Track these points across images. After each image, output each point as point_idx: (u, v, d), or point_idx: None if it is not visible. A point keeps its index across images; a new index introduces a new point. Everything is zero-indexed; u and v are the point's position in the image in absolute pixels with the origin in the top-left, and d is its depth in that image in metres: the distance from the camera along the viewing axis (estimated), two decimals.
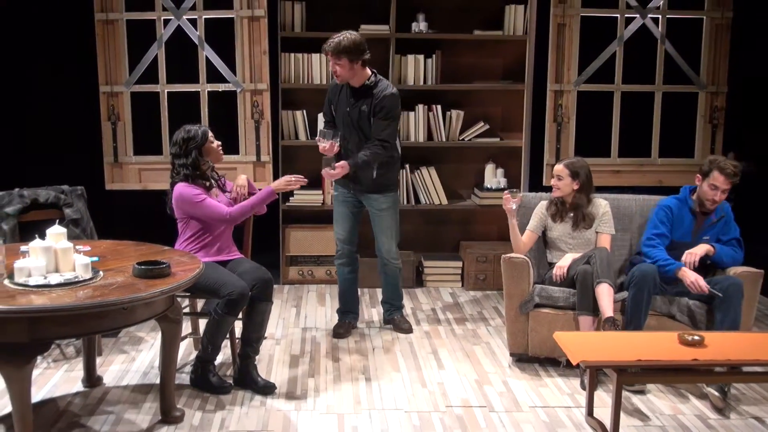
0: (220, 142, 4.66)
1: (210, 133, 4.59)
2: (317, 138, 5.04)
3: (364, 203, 5.30)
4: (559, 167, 4.95)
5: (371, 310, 5.96)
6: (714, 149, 6.73)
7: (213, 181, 4.65)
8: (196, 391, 4.43)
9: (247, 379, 4.48)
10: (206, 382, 4.44)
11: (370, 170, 5.09)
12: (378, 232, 5.35)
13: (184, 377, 4.59)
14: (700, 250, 4.65)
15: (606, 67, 6.60)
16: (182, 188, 4.50)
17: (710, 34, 6.61)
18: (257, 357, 4.60)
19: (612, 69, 6.60)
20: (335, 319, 5.69)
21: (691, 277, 4.57)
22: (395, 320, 5.54)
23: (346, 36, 4.91)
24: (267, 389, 4.45)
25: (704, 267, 4.79)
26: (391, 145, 5.12)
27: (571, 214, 4.96)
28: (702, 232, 4.80)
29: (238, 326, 4.94)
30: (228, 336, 4.67)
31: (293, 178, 4.65)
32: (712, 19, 6.58)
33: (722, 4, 6.55)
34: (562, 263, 4.80)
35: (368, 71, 5.06)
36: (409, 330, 5.48)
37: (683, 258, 4.61)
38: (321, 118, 6.52)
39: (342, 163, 5.00)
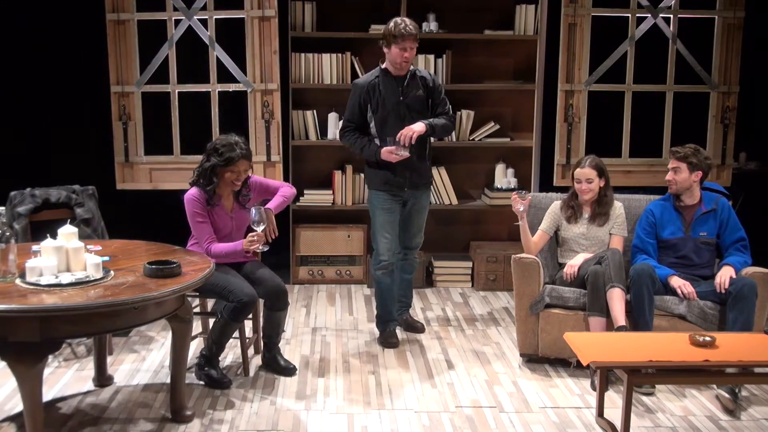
0: (242, 174, 4.46)
1: (237, 163, 4.40)
2: (395, 149, 4.81)
3: (408, 201, 5.15)
4: (585, 170, 4.88)
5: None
6: (725, 149, 6.70)
7: (222, 200, 4.55)
8: (206, 389, 4.44)
9: (272, 362, 4.71)
10: (208, 376, 4.51)
11: (425, 162, 5.09)
12: (416, 229, 5.27)
13: (194, 377, 4.60)
14: (727, 274, 4.61)
15: (617, 67, 6.57)
16: (190, 195, 4.49)
17: (722, 33, 6.57)
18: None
19: (623, 69, 6.57)
20: (344, 318, 5.70)
21: (677, 282, 4.64)
22: (408, 320, 5.49)
23: (412, 21, 4.86)
24: (288, 371, 4.67)
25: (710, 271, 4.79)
26: None
27: (587, 215, 4.95)
28: (694, 226, 4.79)
29: (248, 326, 4.95)
30: (238, 335, 4.69)
31: (255, 237, 4.38)
32: (723, 18, 6.55)
33: (734, 4, 6.52)
34: (574, 262, 4.79)
35: None
36: (422, 329, 5.46)
37: (717, 280, 4.59)
38: (331, 120, 6.55)
39: (417, 124, 4.84)
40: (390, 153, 4.85)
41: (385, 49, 4.92)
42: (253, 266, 4.65)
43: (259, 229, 4.35)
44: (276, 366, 4.70)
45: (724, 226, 4.79)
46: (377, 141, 5.00)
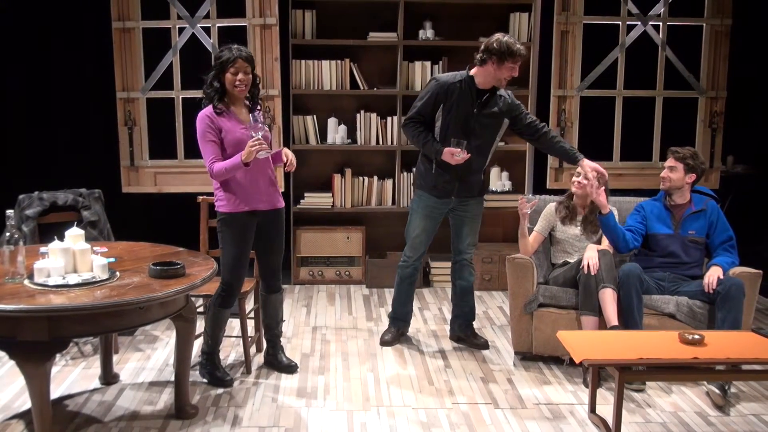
0: (243, 76, 4.17)
1: (235, 62, 4.13)
2: (458, 150, 4.63)
3: (456, 209, 5.00)
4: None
5: (379, 310, 5.95)
6: (713, 153, 6.72)
7: (236, 114, 4.27)
8: (209, 386, 4.44)
9: (274, 360, 4.71)
10: (211, 374, 4.51)
11: (479, 175, 4.99)
12: (467, 236, 5.10)
13: (197, 374, 4.60)
14: (715, 274, 4.61)
15: (608, 73, 6.59)
16: (201, 114, 4.21)
17: (710, 40, 6.60)
18: (281, 339, 4.78)
19: (614, 75, 6.59)
20: (344, 318, 5.70)
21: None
22: (470, 337, 5.19)
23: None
24: (290, 368, 4.68)
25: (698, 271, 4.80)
26: None
27: (581, 217, 4.96)
28: (684, 225, 4.80)
29: (250, 324, 4.95)
30: (240, 334, 4.69)
31: (255, 145, 4.06)
32: (711, 26, 6.57)
33: (721, 11, 6.54)
34: (591, 254, 4.69)
35: None
36: (485, 345, 5.14)
37: (705, 281, 4.59)
38: (330, 125, 6.55)
39: (589, 163, 4.74)
40: (451, 154, 4.68)
41: (491, 64, 4.70)
42: (271, 233, 4.45)
43: (258, 135, 4.08)
44: (278, 364, 4.69)
45: (713, 226, 4.80)
46: (439, 143, 4.82)
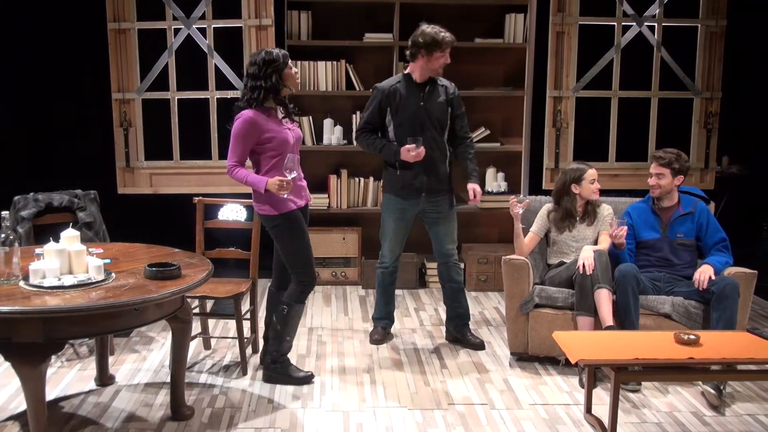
0: (297, 69, 4.41)
1: (289, 59, 4.28)
2: (411, 147, 4.70)
3: (426, 209, 5.02)
4: (593, 172, 4.92)
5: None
6: (708, 153, 6.74)
7: (288, 109, 4.35)
8: (205, 388, 4.43)
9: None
10: (288, 376, 4.50)
11: (445, 166, 5.01)
12: (448, 238, 5.10)
13: (193, 375, 4.60)
14: (706, 273, 4.61)
15: (603, 74, 6.60)
16: (248, 115, 4.19)
17: (705, 41, 6.61)
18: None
19: (609, 76, 6.60)
20: (340, 318, 5.69)
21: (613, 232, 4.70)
22: (467, 336, 5.19)
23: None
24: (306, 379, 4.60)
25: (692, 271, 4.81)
26: None
27: (577, 218, 4.96)
28: (672, 227, 4.80)
29: (246, 325, 4.94)
30: (236, 335, 4.69)
31: (284, 183, 4.15)
32: (706, 27, 6.58)
33: (716, 13, 6.55)
34: (587, 255, 4.69)
35: None
36: (481, 346, 5.14)
37: (696, 277, 4.60)
38: (326, 125, 6.55)
39: (475, 187, 4.94)
40: (408, 151, 4.74)
41: (421, 57, 4.82)
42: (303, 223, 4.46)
43: (290, 176, 4.18)
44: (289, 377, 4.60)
45: (704, 229, 4.79)
46: (395, 144, 4.90)
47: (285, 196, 4.24)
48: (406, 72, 4.97)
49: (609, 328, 4.46)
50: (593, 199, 4.94)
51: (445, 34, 4.79)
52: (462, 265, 5.27)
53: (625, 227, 4.70)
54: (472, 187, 4.95)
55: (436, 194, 4.99)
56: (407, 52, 4.90)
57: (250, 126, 4.18)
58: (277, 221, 4.31)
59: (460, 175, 5.06)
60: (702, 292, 4.55)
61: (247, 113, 4.19)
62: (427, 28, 4.82)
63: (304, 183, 4.51)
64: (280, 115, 4.33)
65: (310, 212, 4.57)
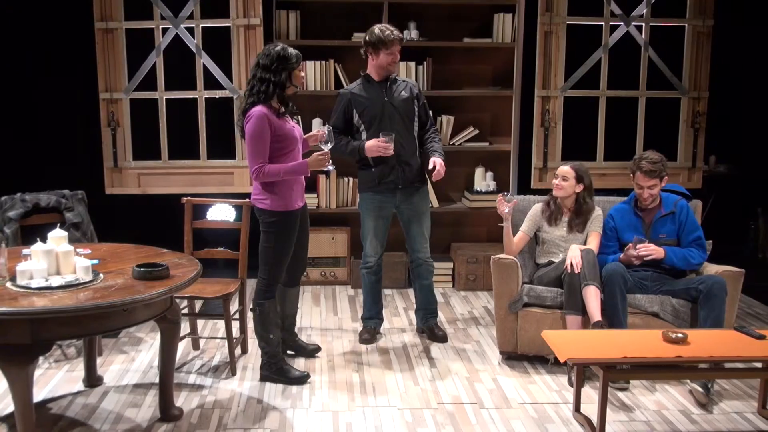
0: (305, 73, 4.47)
1: (302, 61, 4.35)
2: (383, 141, 4.78)
3: (402, 206, 5.11)
4: (565, 168, 4.93)
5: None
6: (696, 153, 6.77)
7: (290, 108, 4.41)
8: (194, 388, 4.42)
9: (298, 347, 4.93)
10: (282, 373, 4.53)
11: (416, 158, 5.06)
12: (417, 234, 5.17)
13: (182, 376, 4.59)
14: (653, 250, 4.68)
15: (591, 74, 6.63)
16: (260, 112, 4.19)
17: (692, 41, 6.64)
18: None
19: (597, 75, 6.62)
20: (329, 318, 5.69)
21: (635, 252, 4.69)
22: (433, 329, 5.30)
23: (393, 26, 4.94)
24: (315, 350, 4.96)
25: (680, 270, 4.83)
26: None
27: (566, 218, 4.97)
28: (655, 229, 4.81)
29: (235, 326, 4.94)
30: (225, 336, 4.68)
31: (324, 156, 4.31)
32: (693, 26, 6.61)
33: (703, 12, 6.58)
34: (574, 254, 4.70)
35: None
36: (444, 338, 5.27)
37: (632, 251, 4.66)
38: (315, 125, 6.54)
39: (438, 161, 4.91)
40: (374, 145, 4.81)
41: (371, 56, 4.95)
42: (304, 226, 4.65)
43: (327, 148, 4.32)
44: (302, 350, 4.91)
45: (682, 227, 4.81)
46: (361, 141, 4.98)
47: (329, 168, 4.36)
48: (364, 73, 5.06)
49: (597, 323, 4.46)
50: (554, 195, 4.97)
51: (390, 32, 4.87)
52: (433, 263, 5.33)
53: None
54: (434, 159, 4.95)
55: (411, 187, 5.07)
56: (361, 51, 5.01)
57: (264, 122, 4.20)
58: (274, 217, 4.37)
59: (426, 158, 5.07)
60: (686, 289, 4.57)
61: (258, 111, 4.21)
62: (376, 28, 4.92)
63: (304, 182, 4.58)
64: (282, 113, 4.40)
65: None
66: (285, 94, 4.31)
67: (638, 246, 4.67)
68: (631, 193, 4.95)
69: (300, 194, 4.52)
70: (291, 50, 4.29)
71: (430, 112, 5.25)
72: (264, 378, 4.55)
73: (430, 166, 4.93)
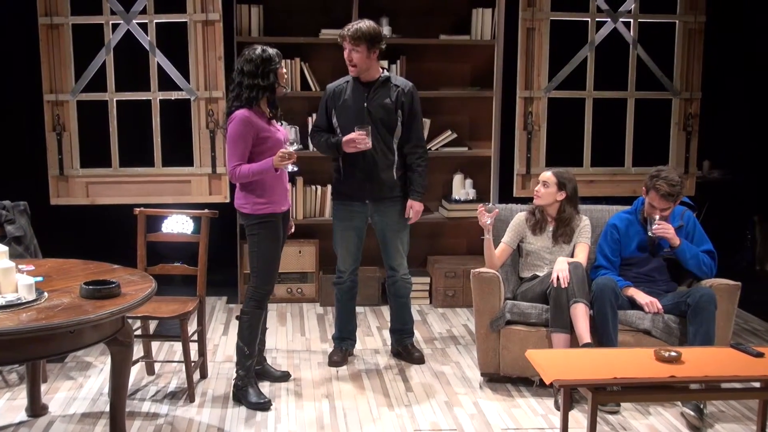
0: (286, 70, 4.71)
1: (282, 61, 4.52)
2: (360, 133, 4.77)
3: (374, 217, 5.10)
4: (547, 174, 4.97)
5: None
6: (689, 158, 6.83)
7: (278, 110, 4.60)
8: (148, 418, 4.38)
9: (264, 373, 4.94)
10: (245, 399, 4.58)
11: (391, 172, 5.04)
12: (393, 250, 5.16)
13: (135, 404, 4.55)
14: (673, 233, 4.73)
15: (577, 73, 6.67)
16: (244, 115, 4.37)
17: (683, 38, 6.72)
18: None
19: (583, 75, 6.67)
20: (296, 339, 5.68)
21: (643, 299, 4.70)
22: (409, 349, 5.32)
23: (365, 22, 4.90)
24: (284, 377, 4.97)
25: (678, 276, 4.87)
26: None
27: (551, 228, 4.99)
28: (662, 242, 4.84)
29: (193, 348, 4.90)
30: (183, 359, 4.64)
31: (287, 155, 4.37)
32: (684, 23, 6.69)
33: (695, 8, 6.67)
34: (561, 267, 4.73)
35: (379, 65, 5.08)
36: (421, 359, 5.28)
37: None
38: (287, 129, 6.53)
39: (413, 205, 5.02)
40: (350, 139, 4.80)
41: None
42: (284, 233, 4.74)
43: (292, 148, 4.47)
44: (269, 375, 4.94)
45: (690, 239, 4.85)
46: (339, 137, 4.97)
47: (292, 168, 4.50)
48: None
49: (586, 345, 4.49)
50: (535, 201, 5.01)
51: (347, 28, 4.90)
52: (411, 280, 5.33)
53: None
54: (410, 204, 5.04)
55: (382, 202, 5.06)
56: None
57: (247, 125, 4.38)
58: (252, 221, 4.51)
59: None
60: (675, 304, 4.63)
61: (241, 113, 4.39)
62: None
63: (288, 186, 4.70)
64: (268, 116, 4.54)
65: None
66: (275, 96, 4.49)
67: (655, 224, 4.69)
68: (635, 202, 4.98)
69: (284, 197, 4.63)
70: (270, 49, 4.45)
71: (424, 127, 5.20)
72: (233, 397, 4.64)
73: (407, 213, 5.04)
